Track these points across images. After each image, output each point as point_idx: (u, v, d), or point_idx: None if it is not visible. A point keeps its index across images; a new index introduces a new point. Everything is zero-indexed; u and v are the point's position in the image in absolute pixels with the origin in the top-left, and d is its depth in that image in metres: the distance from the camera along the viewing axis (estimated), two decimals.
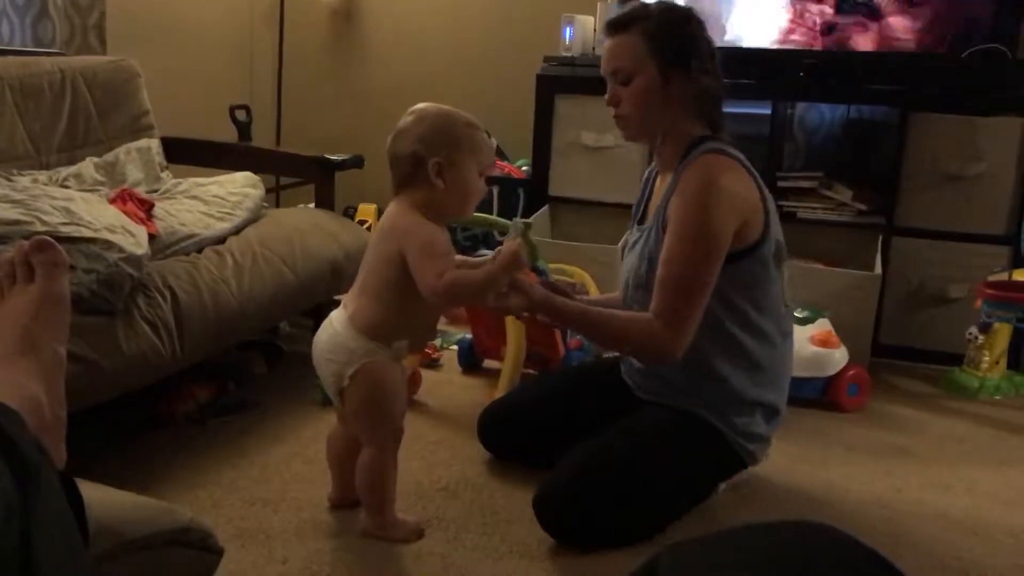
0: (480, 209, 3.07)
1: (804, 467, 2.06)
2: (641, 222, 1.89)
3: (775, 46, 2.93)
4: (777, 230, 1.76)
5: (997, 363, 2.60)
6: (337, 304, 1.71)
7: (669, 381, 1.81)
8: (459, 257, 1.67)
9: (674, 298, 1.66)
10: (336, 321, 1.63)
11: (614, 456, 1.72)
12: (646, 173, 1.98)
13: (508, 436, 2.00)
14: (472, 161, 1.60)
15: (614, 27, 1.75)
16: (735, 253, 1.69)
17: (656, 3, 1.78)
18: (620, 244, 1.99)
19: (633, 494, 1.70)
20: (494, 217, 2.85)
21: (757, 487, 1.95)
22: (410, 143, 1.58)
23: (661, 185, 1.84)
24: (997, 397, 2.58)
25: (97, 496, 0.96)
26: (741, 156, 1.74)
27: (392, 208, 1.63)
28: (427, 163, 1.56)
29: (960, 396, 2.59)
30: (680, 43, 1.71)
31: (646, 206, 1.91)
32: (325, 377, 1.64)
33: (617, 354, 2.01)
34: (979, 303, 2.60)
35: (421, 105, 1.63)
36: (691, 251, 1.66)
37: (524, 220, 1.66)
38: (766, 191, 1.75)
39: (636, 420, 1.80)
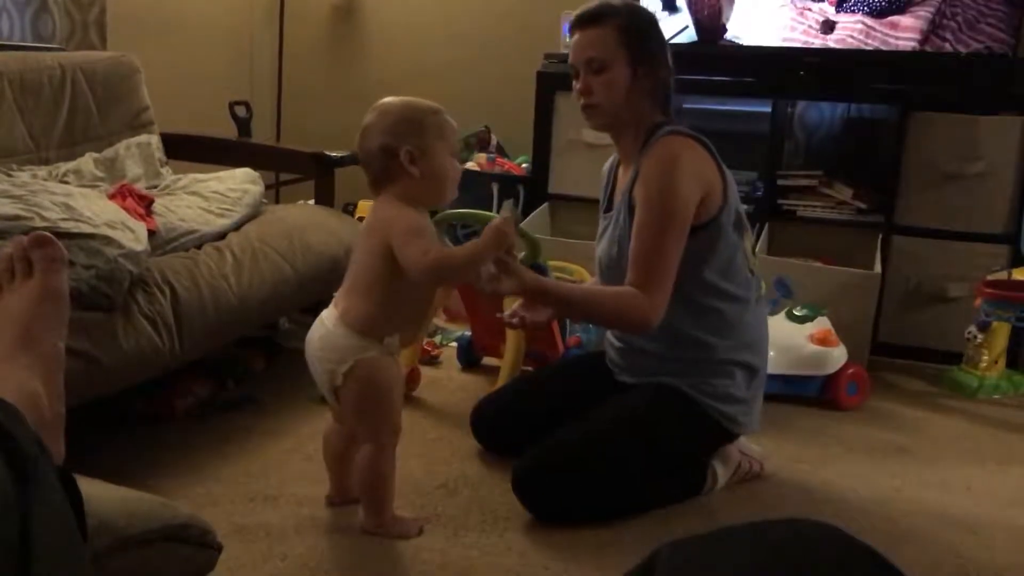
0: (480, 206, 3.08)
1: (803, 466, 2.06)
2: (608, 210, 1.97)
3: (775, 44, 2.93)
4: (736, 201, 1.86)
5: (996, 362, 2.60)
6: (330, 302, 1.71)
7: (645, 356, 1.90)
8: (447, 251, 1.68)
9: (647, 267, 1.75)
10: (327, 319, 1.63)
11: (589, 430, 1.81)
12: (607, 165, 2.06)
13: (499, 430, 2.04)
14: (442, 145, 1.61)
15: (587, 20, 1.84)
16: (698, 226, 1.79)
17: (621, 1, 1.85)
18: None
19: (607, 467, 1.77)
20: (494, 214, 2.85)
21: (756, 486, 1.95)
22: (378, 137, 1.59)
23: (624, 174, 1.93)
24: (996, 396, 2.58)
25: (96, 492, 0.96)
26: (698, 135, 1.84)
27: (375, 204, 1.64)
28: (399, 154, 1.57)
29: (959, 395, 2.59)
30: (648, 39, 1.84)
31: (611, 195, 1.99)
32: (319, 376, 1.63)
33: (604, 346, 2.08)
34: (978, 302, 2.60)
35: (382, 101, 1.64)
36: (658, 222, 1.75)
37: (511, 201, 1.69)
38: (724, 166, 1.84)
39: (615, 399, 1.89)
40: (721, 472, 1.91)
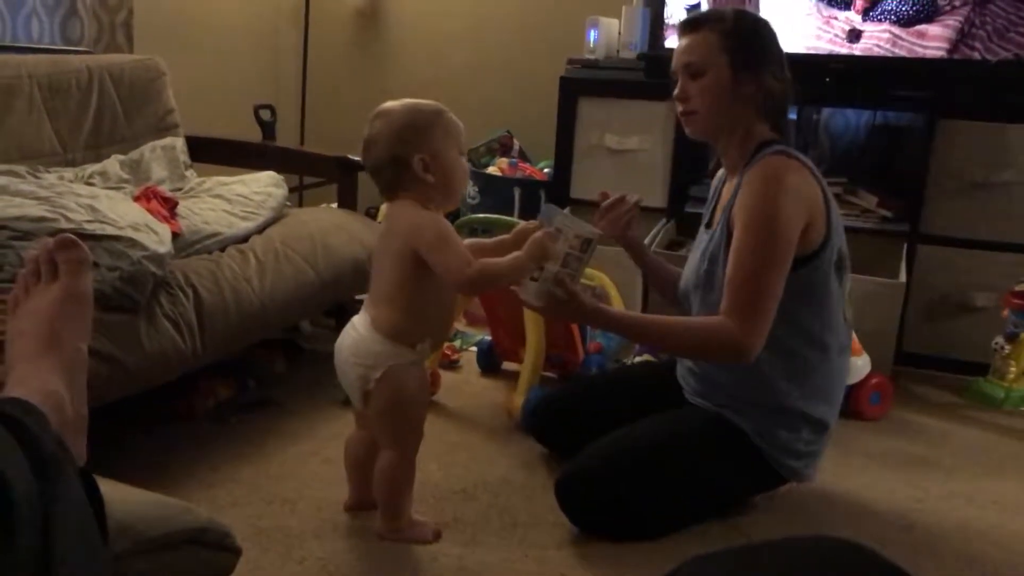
0: (502, 210, 3.07)
1: (825, 476, 2.04)
2: (708, 226, 1.90)
3: (801, 51, 2.91)
4: (840, 238, 1.76)
5: (1023, 374, 2.56)
6: (359, 305, 1.71)
7: (717, 384, 1.82)
8: (469, 240, 1.67)
9: (746, 293, 1.65)
10: (360, 325, 1.62)
11: (638, 446, 1.76)
12: (715, 180, 1.98)
13: (557, 428, 2.02)
14: (451, 146, 1.60)
15: (690, 25, 1.79)
16: (796, 259, 1.68)
17: (731, 8, 1.81)
18: (685, 251, 2.00)
19: (651, 486, 1.73)
20: (516, 219, 2.84)
21: (778, 497, 1.93)
22: (387, 147, 1.57)
23: (728, 188, 1.85)
24: (1023, 408, 2.54)
25: (117, 494, 0.96)
26: (807, 159, 1.75)
27: (391, 208, 1.63)
28: (411, 163, 1.56)
29: (985, 407, 2.56)
30: (752, 45, 1.75)
31: (713, 209, 1.92)
32: (350, 381, 1.63)
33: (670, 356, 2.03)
34: (1006, 312, 2.57)
35: (383, 107, 1.62)
36: (760, 245, 1.65)
37: (557, 209, 1.63)
38: (830, 196, 1.74)
39: (672, 416, 1.83)
40: (761, 500, 1.87)
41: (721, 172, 1.96)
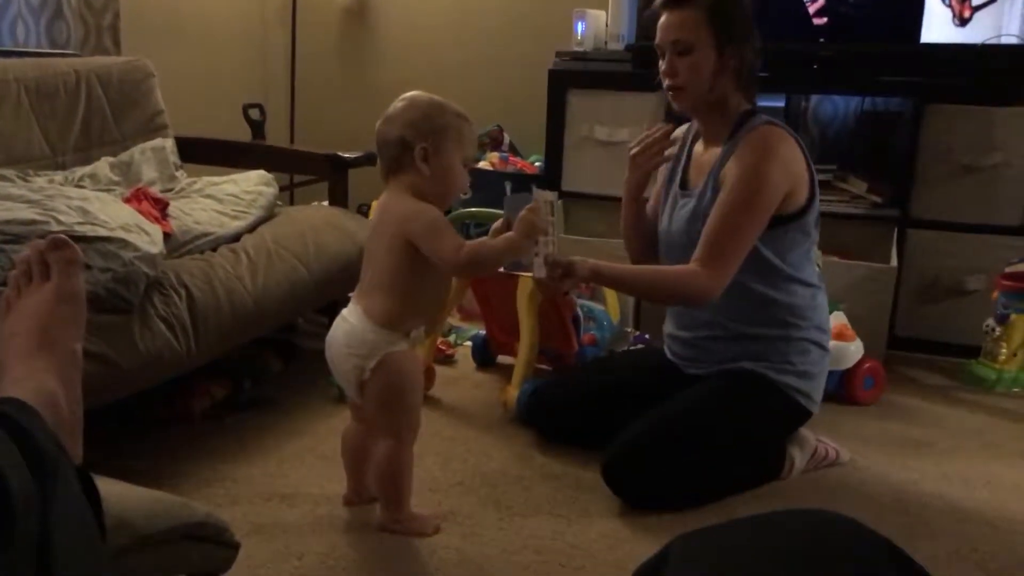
0: (494, 205, 3.07)
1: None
2: (683, 187, 1.99)
3: (789, 38, 2.91)
4: (817, 200, 1.91)
5: (1015, 355, 2.57)
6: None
7: (722, 342, 1.93)
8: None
9: (719, 245, 1.79)
10: (351, 316, 1.63)
11: (677, 417, 1.86)
12: (679, 134, 2.05)
13: (558, 417, 2.06)
14: (457, 151, 1.62)
15: (674, 1, 1.85)
16: (784, 217, 1.84)
17: None
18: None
19: (694, 452, 1.82)
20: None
21: (775, 483, 1.94)
22: (399, 127, 1.60)
23: (705, 152, 1.96)
24: (1015, 390, 2.56)
25: (114, 491, 0.97)
26: (791, 130, 1.88)
27: (384, 197, 1.65)
28: (414, 148, 1.58)
29: (977, 389, 2.57)
30: (735, 20, 1.84)
31: (685, 171, 2.00)
32: (345, 372, 1.64)
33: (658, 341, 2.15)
34: (996, 295, 2.58)
35: (413, 92, 1.65)
36: (741, 202, 1.79)
37: (549, 192, 1.68)
38: (812, 164, 1.88)
39: (693, 389, 1.93)
40: (799, 458, 1.95)
41: (683, 131, 2.06)
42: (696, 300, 1.85)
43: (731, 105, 1.89)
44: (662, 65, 1.88)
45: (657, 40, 1.88)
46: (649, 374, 2.06)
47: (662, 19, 1.87)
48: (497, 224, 1.70)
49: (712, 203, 1.84)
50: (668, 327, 2.09)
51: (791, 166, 1.82)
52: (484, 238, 1.64)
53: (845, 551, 0.60)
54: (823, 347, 1.95)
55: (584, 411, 2.03)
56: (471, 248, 1.57)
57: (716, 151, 1.91)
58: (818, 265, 2.00)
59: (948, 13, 2.88)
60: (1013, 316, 2.54)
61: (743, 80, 1.87)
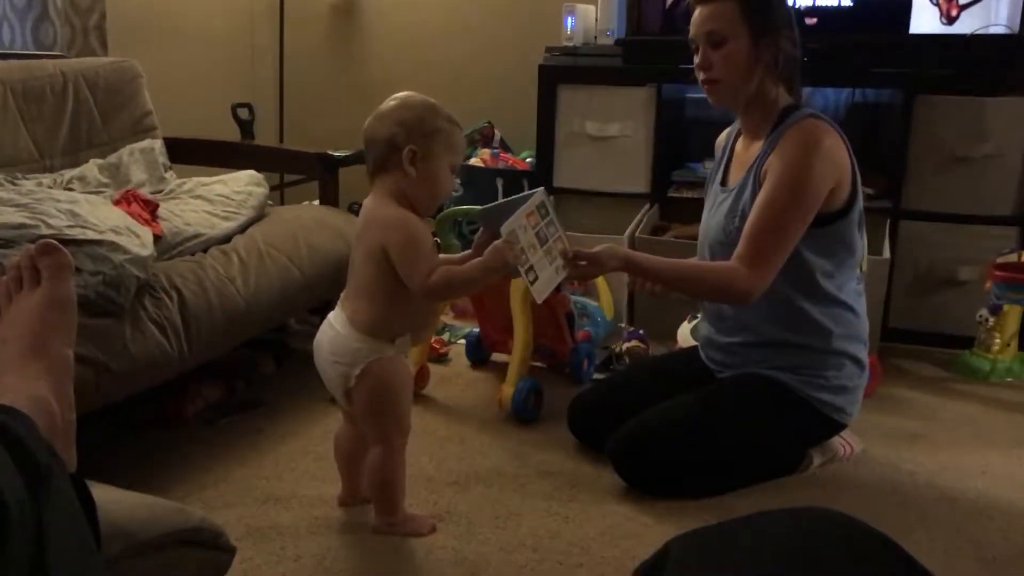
0: (485, 202, 3.06)
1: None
2: (724, 183, 1.97)
3: None
4: (860, 195, 1.85)
5: (1008, 345, 2.58)
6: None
7: (756, 349, 1.90)
8: (442, 256, 1.67)
9: (761, 242, 1.75)
10: (336, 322, 1.62)
11: (690, 409, 1.87)
12: (722, 138, 2.06)
13: (597, 423, 2.01)
14: (446, 156, 1.60)
15: None
16: (828, 216, 1.79)
17: None
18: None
19: (704, 444, 1.82)
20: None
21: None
22: (389, 127, 1.57)
23: (746, 149, 1.92)
24: (1009, 379, 2.57)
25: (108, 497, 0.96)
26: (834, 123, 1.82)
27: (369, 201, 1.62)
28: (403, 150, 1.55)
29: (971, 379, 2.58)
30: (770, 10, 1.80)
31: (727, 168, 1.98)
32: (331, 379, 1.63)
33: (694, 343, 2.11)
34: (989, 285, 2.59)
35: (406, 93, 1.62)
36: (785, 200, 1.74)
37: (493, 208, 1.66)
38: (855, 159, 1.83)
39: (717, 385, 1.94)
40: (817, 459, 1.96)
41: (726, 134, 2.04)
42: (736, 298, 1.80)
43: (771, 99, 1.84)
44: (696, 59, 1.84)
45: (691, 34, 1.84)
46: (685, 377, 2.01)
47: (695, 12, 1.83)
48: (479, 237, 1.68)
49: (752, 198, 1.81)
50: (703, 330, 2.07)
51: (836, 160, 1.77)
52: (453, 267, 1.58)
53: (843, 550, 0.60)
54: (860, 361, 1.91)
55: (618, 417, 1.95)
56: (442, 276, 1.54)
57: (757, 146, 1.86)
58: (861, 268, 1.93)
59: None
60: (1006, 306, 2.55)
61: (782, 72, 1.82)
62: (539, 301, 1.67)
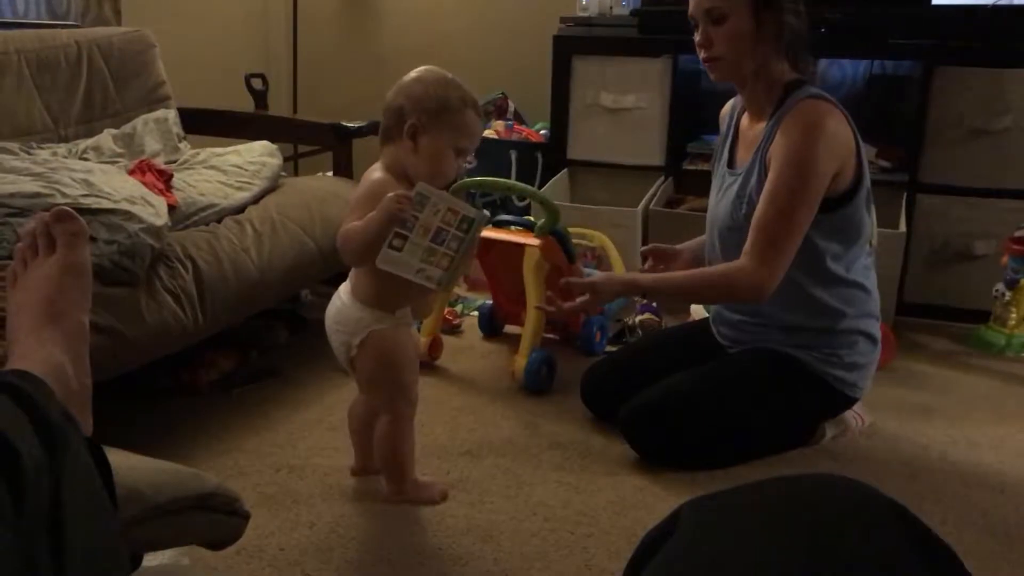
0: (499, 174, 3.06)
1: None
2: (731, 165, 1.93)
3: None
4: (867, 174, 1.82)
5: None
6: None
7: (768, 329, 1.89)
8: None
9: (770, 236, 1.72)
10: (343, 293, 1.64)
11: (700, 380, 1.87)
12: (726, 111, 2.02)
13: (609, 395, 2.00)
14: (450, 137, 1.55)
15: None
16: (835, 200, 1.76)
17: None
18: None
19: (714, 415, 1.84)
20: (513, 182, 2.83)
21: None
22: (400, 97, 1.56)
23: (751, 128, 1.88)
24: None
25: (124, 462, 0.97)
26: (836, 101, 1.78)
27: (368, 171, 1.62)
28: (405, 121, 1.55)
29: (987, 354, 2.56)
30: None
31: (732, 148, 1.95)
32: (336, 348, 1.64)
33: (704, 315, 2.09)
34: (1006, 259, 2.56)
35: (428, 67, 1.60)
36: (793, 190, 1.71)
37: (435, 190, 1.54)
38: (859, 137, 1.79)
39: (729, 358, 1.95)
40: (830, 432, 1.96)
41: (730, 107, 2.00)
42: (749, 297, 1.78)
43: (775, 75, 1.80)
44: (697, 37, 1.80)
45: (690, 10, 1.80)
46: (696, 350, 2.01)
47: None
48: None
49: (759, 184, 1.78)
50: (715, 307, 2.06)
51: (841, 142, 1.73)
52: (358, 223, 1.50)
53: (854, 514, 0.60)
54: (872, 337, 1.90)
55: (630, 390, 1.94)
56: (343, 229, 1.50)
57: (761, 126, 1.83)
58: (871, 243, 1.91)
59: None
60: (1022, 280, 2.53)
61: (786, 47, 1.77)
62: (378, 265, 1.49)
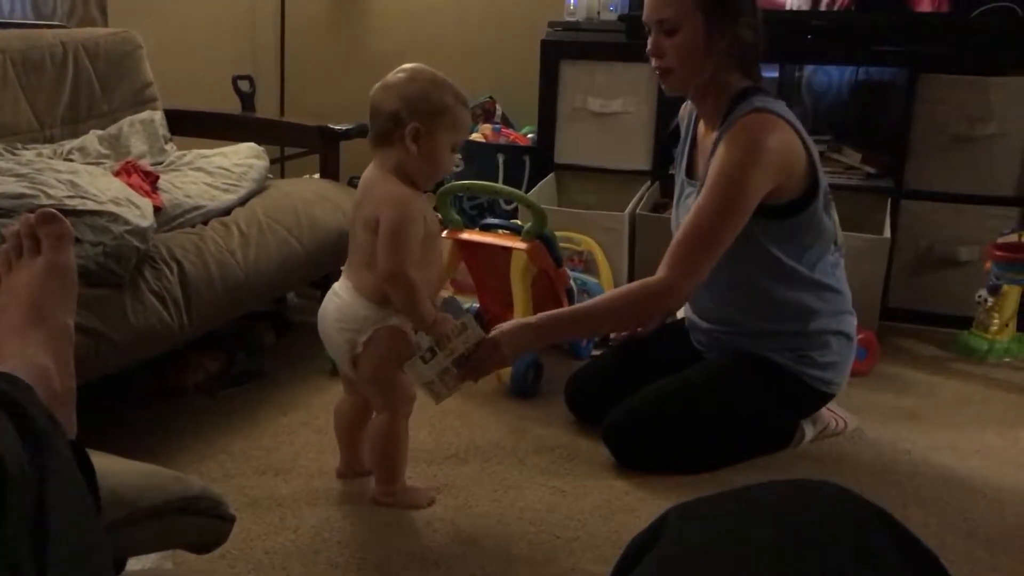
0: (486, 177, 3.06)
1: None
2: (689, 174, 1.95)
3: (781, 7, 2.89)
4: (823, 179, 1.81)
5: (1007, 325, 2.59)
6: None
7: (740, 337, 1.90)
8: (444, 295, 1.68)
9: (690, 248, 1.72)
10: (342, 291, 1.63)
11: (680, 387, 1.87)
12: (685, 115, 2.01)
13: (594, 401, 2.01)
14: (449, 135, 1.58)
15: None
16: (786, 207, 1.76)
17: None
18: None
19: (696, 421, 1.85)
20: (500, 185, 2.84)
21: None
22: (394, 100, 1.55)
23: (707, 136, 1.88)
24: (1007, 360, 2.57)
25: (109, 465, 0.96)
26: (784, 110, 1.77)
27: (369, 172, 1.62)
28: (406, 126, 1.55)
29: (969, 359, 2.58)
30: None
31: (691, 155, 1.95)
32: (337, 346, 1.63)
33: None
34: (988, 265, 2.59)
35: (416, 66, 1.60)
36: (717, 208, 1.71)
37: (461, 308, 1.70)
38: (810, 142, 1.79)
39: (707, 362, 1.96)
40: (809, 431, 1.96)
41: (688, 108, 1.99)
42: (665, 304, 1.81)
43: (724, 85, 1.78)
44: (648, 44, 1.80)
45: (644, 16, 1.79)
46: (682, 352, 2.03)
47: None
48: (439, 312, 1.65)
49: None
50: (688, 313, 2.06)
51: (781, 159, 1.71)
52: (420, 282, 1.56)
53: (839, 520, 0.61)
54: (845, 334, 1.90)
55: (614, 396, 1.95)
56: (407, 279, 1.53)
57: (714, 136, 1.81)
58: (835, 243, 1.89)
59: None
60: (1005, 287, 2.55)
61: (738, 59, 1.76)
62: (404, 369, 1.62)
